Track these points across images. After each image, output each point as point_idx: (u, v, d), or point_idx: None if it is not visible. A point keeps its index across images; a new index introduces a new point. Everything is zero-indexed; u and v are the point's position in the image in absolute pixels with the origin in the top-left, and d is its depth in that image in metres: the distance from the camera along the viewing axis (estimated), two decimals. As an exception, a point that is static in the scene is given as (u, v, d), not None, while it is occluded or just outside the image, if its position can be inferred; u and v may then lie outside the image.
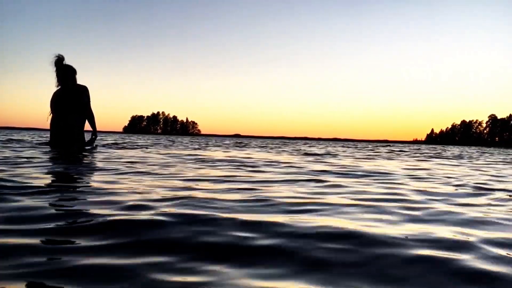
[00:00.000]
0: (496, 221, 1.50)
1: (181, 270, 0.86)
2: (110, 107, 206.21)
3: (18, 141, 7.29)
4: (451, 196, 2.15)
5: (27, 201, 1.49)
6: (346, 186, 2.36)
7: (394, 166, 4.52)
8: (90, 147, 5.48)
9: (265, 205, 1.61)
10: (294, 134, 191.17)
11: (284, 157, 5.56)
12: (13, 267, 0.84)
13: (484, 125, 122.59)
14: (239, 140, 32.17)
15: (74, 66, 5.35)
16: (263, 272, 0.88)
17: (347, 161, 5.06)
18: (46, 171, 2.51)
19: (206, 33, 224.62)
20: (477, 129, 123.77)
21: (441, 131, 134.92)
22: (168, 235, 1.09)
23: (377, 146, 21.53)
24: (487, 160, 7.58)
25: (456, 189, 2.46)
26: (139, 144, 9.01)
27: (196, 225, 1.19)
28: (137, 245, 1.01)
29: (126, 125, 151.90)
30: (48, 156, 3.71)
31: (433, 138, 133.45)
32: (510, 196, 2.22)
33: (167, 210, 1.39)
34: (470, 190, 2.43)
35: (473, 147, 35.17)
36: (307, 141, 43.63)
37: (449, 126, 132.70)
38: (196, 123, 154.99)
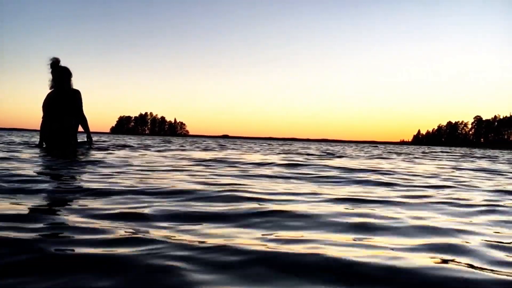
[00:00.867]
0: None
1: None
2: (97, 108, 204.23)
3: (9, 143, 7.12)
4: None
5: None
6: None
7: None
8: (87, 147, 5.48)
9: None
10: (282, 135, 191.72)
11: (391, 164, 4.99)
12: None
13: (469, 126, 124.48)
14: (231, 140, 32.02)
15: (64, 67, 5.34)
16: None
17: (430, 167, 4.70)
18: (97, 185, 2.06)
19: (194, 34, 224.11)
20: (463, 130, 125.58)
21: (428, 132, 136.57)
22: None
23: (377, 147, 21.70)
24: None
25: None
26: (156, 146, 8.46)
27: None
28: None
29: (114, 125, 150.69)
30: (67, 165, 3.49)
31: (420, 139, 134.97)
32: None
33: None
34: None
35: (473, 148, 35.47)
36: (297, 142, 43.74)
37: (436, 127, 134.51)
38: (184, 124, 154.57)
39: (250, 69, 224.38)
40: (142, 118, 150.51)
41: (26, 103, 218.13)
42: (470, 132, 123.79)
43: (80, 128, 5.50)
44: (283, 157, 5.74)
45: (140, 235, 1.09)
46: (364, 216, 1.50)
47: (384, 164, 4.94)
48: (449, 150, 19.14)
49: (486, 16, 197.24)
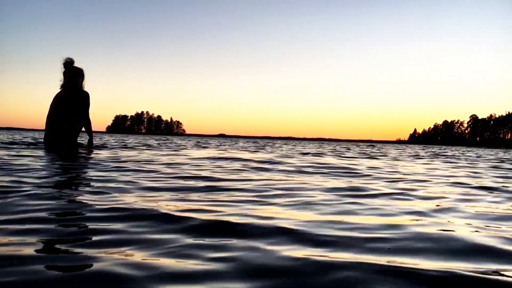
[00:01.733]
0: None
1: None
2: (93, 106, 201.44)
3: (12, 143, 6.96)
4: None
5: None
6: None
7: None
8: (89, 149, 5.37)
9: None
10: (278, 134, 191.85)
11: (391, 162, 4.87)
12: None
13: (465, 125, 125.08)
14: (227, 139, 31.97)
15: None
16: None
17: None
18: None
19: (191, 33, 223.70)
20: (459, 129, 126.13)
21: (424, 131, 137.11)
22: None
23: (373, 146, 21.72)
24: None
25: None
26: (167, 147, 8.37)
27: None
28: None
29: (110, 124, 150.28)
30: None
31: (416, 138, 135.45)
32: None
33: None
34: None
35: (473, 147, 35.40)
36: (295, 141, 43.74)
37: (432, 126, 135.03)
38: (181, 123, 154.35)
39: (247, 68, 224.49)
40: (139, 117, 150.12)
41: (26, 103, 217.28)
42: (466, 131, 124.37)
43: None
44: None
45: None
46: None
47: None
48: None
49: (483, 16, 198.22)
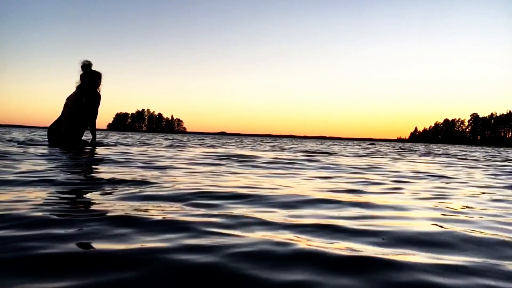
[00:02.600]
0: None
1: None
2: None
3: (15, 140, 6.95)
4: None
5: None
6: None
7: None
8: (93, 147, 5.43)
9: None
10: (279, 132, 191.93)
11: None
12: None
13: (466, 123, 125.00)
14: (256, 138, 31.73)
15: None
16: None
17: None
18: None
19: (192, 31, 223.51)
20: (460, 128, 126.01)
21: (425, 130, 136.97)
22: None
23: (374, 144, 21.75)
24: None
25: None
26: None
27: None
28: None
29: (111, 122, 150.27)
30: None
31: (417, 137, 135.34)
32: None
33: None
34: None
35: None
36: (296, 139, 43.74)
37: (432, 125, 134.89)
38: (182, 121, 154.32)
39: (248, 66, 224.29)
40: (139, 114, 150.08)
41: (27, 100, 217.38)
42: (467, 130, 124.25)
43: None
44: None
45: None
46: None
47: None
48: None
49: (485, 15, 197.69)
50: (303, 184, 2.39)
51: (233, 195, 1.77)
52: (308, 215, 1.43)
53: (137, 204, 1.51)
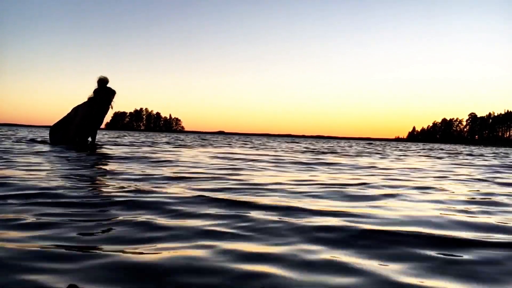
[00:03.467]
0: None
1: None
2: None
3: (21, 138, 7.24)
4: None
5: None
6: None
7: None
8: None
9: None
10: (277, 131, 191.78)
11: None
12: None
13: (464, 123, 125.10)
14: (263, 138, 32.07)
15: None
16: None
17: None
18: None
19: (190, 30, 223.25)
20: (458, 127, 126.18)
21: (423, 129, 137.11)
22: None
23: (379, 144, 21.77)
24: None
25: None
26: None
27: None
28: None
29: (108, 121, 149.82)
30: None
31: (415, 136, 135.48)
32: None
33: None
34: None
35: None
36: (294, 138, 43.78)
37: (430, 124, 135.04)
38: (180, 120, 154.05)
39: (245, 65, 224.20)
40: (137, 113, 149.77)
41: (26, 100, 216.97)
42: (465, 129, 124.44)
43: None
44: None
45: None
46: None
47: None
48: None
49: (482, 14, 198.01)
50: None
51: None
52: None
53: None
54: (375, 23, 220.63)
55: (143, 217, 1.40)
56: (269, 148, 8.78)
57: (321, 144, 16.38)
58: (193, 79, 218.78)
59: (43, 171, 2.62)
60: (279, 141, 20.42)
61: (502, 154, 10.69)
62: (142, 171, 2.86)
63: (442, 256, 1.10)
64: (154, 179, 2.40)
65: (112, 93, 5.92)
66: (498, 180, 3.44)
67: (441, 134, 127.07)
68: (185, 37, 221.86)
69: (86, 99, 5.99)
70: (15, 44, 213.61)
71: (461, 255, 1.11)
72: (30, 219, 1.27)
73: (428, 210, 1.76)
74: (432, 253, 1.12)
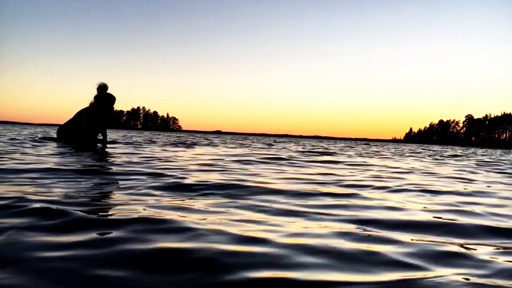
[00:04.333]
0: None
1: None
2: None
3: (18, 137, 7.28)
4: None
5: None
6: None
7: None
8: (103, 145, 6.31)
9: None
10: (274, 131, 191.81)
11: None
12: None
13: (461, 124, 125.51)
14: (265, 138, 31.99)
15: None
16: None
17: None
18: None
19: (187, 30, 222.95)
20: (454, 129, 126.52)
21: (419, 130, 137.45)
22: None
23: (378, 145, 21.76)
24: None
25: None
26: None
27: None
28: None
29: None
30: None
31: (412, 137, 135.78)
32: None
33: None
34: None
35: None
36: (291, 138, 43.74)
37: (427, 126, 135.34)
38: (177, 119, 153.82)
39: (244, 65, 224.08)
40: (135, 112, 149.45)
41: (30, 98, 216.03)
42: (462, 131, 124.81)
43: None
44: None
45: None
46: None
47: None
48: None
49: (480, 16, 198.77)
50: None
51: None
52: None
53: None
54: (372, 24, 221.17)
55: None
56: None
57: (320, 144, 16.30)
58: (190, 79, 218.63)
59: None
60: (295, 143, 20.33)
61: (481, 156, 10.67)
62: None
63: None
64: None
65: (112, 99, 6.30)
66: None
67: (437, 135, 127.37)
68: (183, 36, 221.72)
69: (87, 104, 6.38)
70: (8, 39, 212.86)
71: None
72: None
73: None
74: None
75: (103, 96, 6.27)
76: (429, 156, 8.83)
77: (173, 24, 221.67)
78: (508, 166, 5.94)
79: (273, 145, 11.54)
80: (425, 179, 3.12)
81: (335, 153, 7.49)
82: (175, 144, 8.03)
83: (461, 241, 1.25)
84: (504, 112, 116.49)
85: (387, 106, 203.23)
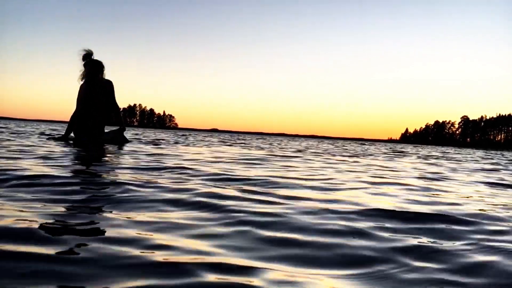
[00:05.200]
0: None
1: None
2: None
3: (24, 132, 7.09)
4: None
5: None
6: None
7: None
8: (121, 140, 5.44)
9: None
10: (271, 130, 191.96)
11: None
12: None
13: (456, 125, 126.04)
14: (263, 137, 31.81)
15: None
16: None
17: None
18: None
19: (184, 27, 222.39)
20: (450, 130, 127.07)
21: (415, 131, 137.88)
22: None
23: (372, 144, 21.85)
24: None
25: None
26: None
27: None
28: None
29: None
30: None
31: (407, 138, 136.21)
32: None
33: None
34: None
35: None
36: (288, 138, 43.78)
37: (423, 126, 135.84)
38: (173, 117, 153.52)
39: (240, 63, 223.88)
40: (131, 109, 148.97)
41: (33, 94, 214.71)
42: (457, 132, 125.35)
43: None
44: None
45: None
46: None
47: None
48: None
49: (476, 18, 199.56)
50: None
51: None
52: None
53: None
54: (369, 25, 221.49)
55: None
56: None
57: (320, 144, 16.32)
58: (187, 77, 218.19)
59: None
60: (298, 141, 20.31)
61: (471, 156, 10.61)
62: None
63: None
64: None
65: (100, 65, 5.34)
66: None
67: (433, 136, 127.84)
68: (180, 35, 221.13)
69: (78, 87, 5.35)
70: (12, 37, 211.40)
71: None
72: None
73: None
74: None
75: (90, 63, 5.31)
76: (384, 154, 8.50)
77: (170, 22, 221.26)
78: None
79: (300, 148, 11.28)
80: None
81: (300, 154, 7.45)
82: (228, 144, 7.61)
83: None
84: (500, 114, 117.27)
85: (383, 107, 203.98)
